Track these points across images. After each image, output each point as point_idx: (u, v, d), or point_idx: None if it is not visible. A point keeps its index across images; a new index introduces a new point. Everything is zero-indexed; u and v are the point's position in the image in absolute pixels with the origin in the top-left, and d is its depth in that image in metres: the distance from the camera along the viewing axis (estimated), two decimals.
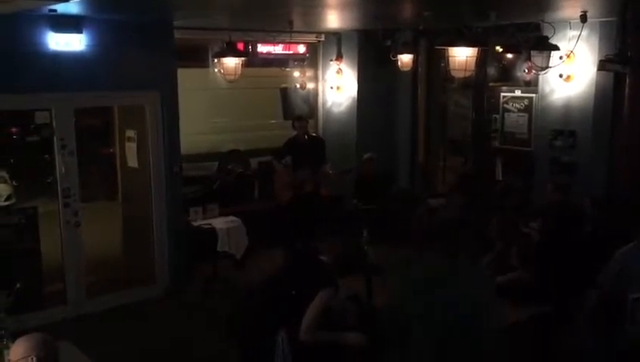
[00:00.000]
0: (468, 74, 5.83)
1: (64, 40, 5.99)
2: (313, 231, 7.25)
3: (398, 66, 8.47)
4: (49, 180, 6.51)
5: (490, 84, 8.44)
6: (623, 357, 3.96)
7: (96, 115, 8.21)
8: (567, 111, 6.83)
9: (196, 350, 5.69)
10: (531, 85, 7.75)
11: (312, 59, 9.75)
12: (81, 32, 6.06)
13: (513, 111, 8.01)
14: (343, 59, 9.21)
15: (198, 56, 9.30)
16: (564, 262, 5.09)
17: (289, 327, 3.70)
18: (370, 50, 9.05)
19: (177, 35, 7.04)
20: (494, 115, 8.31)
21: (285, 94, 10.02)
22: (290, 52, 9.75)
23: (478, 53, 5.69)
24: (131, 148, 7.27)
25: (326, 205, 8.16)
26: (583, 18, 6.12)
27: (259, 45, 9.26)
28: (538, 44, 6.45)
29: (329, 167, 8.05)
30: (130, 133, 7.26)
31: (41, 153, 6.72)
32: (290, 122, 8.32)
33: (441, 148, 9.38)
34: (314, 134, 8.69)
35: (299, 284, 3.81)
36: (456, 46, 5.58)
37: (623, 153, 6.65)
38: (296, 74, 9.71)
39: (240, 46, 8.22)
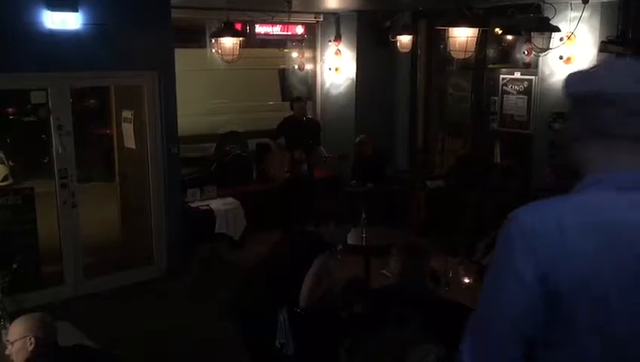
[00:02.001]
0: (468, 55, 5.78)
1: (60, 18, 5.91)
2: (308, 212, 7.27)
3: (397, 48, 8.42)
4: (45, 161, 6.48)
5: (490, 66, 8.40)
6: None
7: (92, 95, 8.17)
8: None
9: (195, 330, 5.70)
10: (531, 67, 7.71)
11: (310, 40, 9.69)
12: (76, 11, 5.98)
13: (512, 94, 7.97)
14: (342, 41, 9.14)
15: (196, 37, 9.27)
16: None
17: (290, 305, 3.71)
18: (369, 31, 8.99)
19: (174, 14, 6.96)
20: (493, 98, 8.27)
21: (283, 75, 9.99)
22: (289, 33, 9.71)
23: (478, 34, 5.64)
24: (128, 128, 7.23)
25: (320, 186, 8.15)
26: None
27: (257, 26, 9.22)
28: (539, 25, 6.40)
29: (323, 150, 8.03)
30: (127, 113, 7.21)
31: (37, 133, 6.69)
32: (288, 103, 8.29)
33: (440, 130, 9.35)
34: (310, 116, 8.65)
35: (297, 262, 3.81)
36: (457, 26, 5.53)
37: None
38: (295, 55, 9.65)
39: (238, 26, 8.16)
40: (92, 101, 9.80)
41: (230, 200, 7.57)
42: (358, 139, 8.40)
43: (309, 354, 3.84)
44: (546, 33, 6.35)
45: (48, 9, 5.85)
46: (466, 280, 4.58)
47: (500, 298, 1.27)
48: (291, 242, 4.18)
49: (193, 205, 7.36)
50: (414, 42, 8.49)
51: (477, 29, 5.59)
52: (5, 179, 8.11)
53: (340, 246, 4.20)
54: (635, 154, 1.28)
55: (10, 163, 8.41)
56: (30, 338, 2.88)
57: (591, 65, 1.43)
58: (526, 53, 7.64)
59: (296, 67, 9.65)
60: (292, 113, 7.93)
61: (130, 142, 7.23)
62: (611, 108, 1.27)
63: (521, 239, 1.26)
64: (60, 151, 6.21)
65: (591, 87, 1.31)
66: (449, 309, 3.89)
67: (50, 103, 6.15)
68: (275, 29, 9.59)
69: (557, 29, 6.36)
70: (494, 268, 1.32)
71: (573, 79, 1.36)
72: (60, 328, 3.13)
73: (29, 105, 6.61)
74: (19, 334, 2.90)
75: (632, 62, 1.39)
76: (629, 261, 1.22)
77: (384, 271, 4.29)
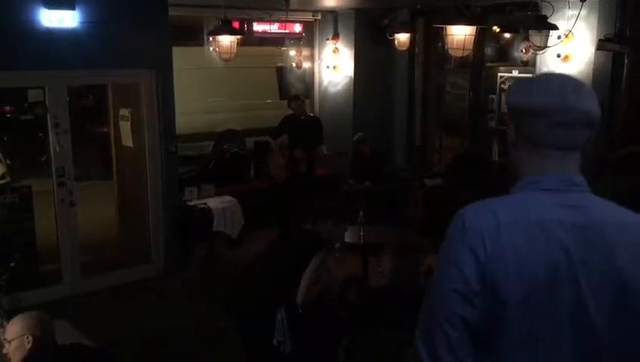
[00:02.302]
0: (466, 53, 5.77)
1: (57, 16, 5.90)
2: (308, 211, 7.26)
3: (395, 46, 8.41)
4: (43, 159, 6.47)
5: (488, 64, 8.40)
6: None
7: (90, 93, 8.16)
8: None
9: (193, 329, 5.70)
10: (529, 65, 7.70)
11: (308, 39, 9.68)
12: (74, 9, 5.97)
13: None
14: (340, 39, 9.13)
15: (193, 35, 9.25)
16: None
17: (288, 303, 3.71)
18: (367, 29, 8.99)
19: (172, 12, 6.95)
20: (491, 96, 8.27)
21: (281, 73, 9.99)
22: (286, 31, 9.69)
23: (476, 32, 5.64)
24: (126, 127, 7.22)
25: (319, 185, 8.15)
26: None
27: (255, 24, 9.20)
28: (536, 23, 6.39)
29: (324, 148, 8.02)
30: (125, 111, 7.20)
31: (34, 131, 6.67)
32: (286, 101, 8.28)
33: (438, 128, 9.36)
34: (311, 114, 8.64)
35: (295, 261, 3.81)
36: (455, 24, 5.52)
37: (619, 134, 6.64)
38: (293, 53, 9.64)
39: (235, 24, 8.15)
40: (90, 99, 9.78)
41: (228, 198, 7.56)
42: (356, 138, 8.40)
43: (307, 353, 3.84)
44: (543, 31, 6.34)
45: (45, 7, 5.83)
46: None
47: (446, 285, 1.41)
48: (290, 241, 4.18)
49: (191, 203, 7.35)
50: (412, 40, 8.49)
51: (475, 27, 5.59)
52: (3, 177, 8.09)
53: (338, 245, 4.20)
54: (561, 159, 1.46)
55: (8, 161, 8.40)
56: (28, 337, 2.88)
57: (528, 78, 1.59)
58: (524, 51, 7.63)
59: (294, 65, 9.64)
60: (285, 113, 7.92)
61: (127, 141, 7.22)
62: (540, 120, 1.44)
63: (465, 234, 1.41)
64: (58, 150, 6.20)
65: (524, 101, 1.46)
66: None
67: (47, 101, 6.14)
68: (273, 27, 9.58)
69: (555, 27, 6.36)
70: (442, 258, 1.46)
71: (512, 90, 1.53)
72: (57, 327, 3.12)
73: (26, 104, 6.59)
74: (16, 332, 2.90)
75: (562, 78, 1.51)
76: (555, 255, 1.38)
77: (381, 269, 4.29)
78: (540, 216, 1.41)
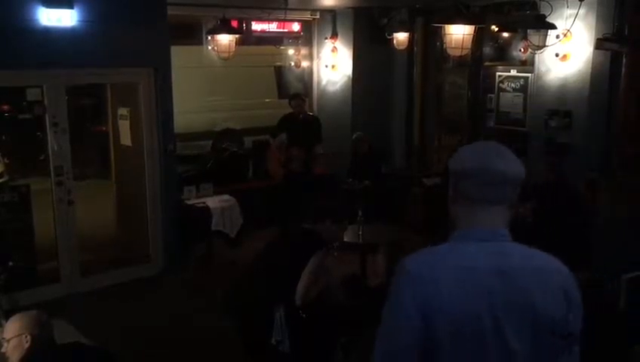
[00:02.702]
0: (464, 52, 5.78)
1: (55, 15, 5.89)
2: (305, 210, 7.26)
3: (393, 45, 8.41)
4: (42, 158, 6.46)
5: (486, 63, 8.40)
6: (617, 337, 3.99)
7: (89, 92, 8.15)
8: (563, 91, 6.80)
9: (192, 328, 5.70)
10: (527, 64, 7.71)
11: (306, 38, 9.67)
12: (72, 8, 5.96)
13: (509, 91, 7.98)
14: (338, 38, 9.13)
15: (192, 34, 9.23)
16: (557, 242, 5.10)
17: (287, 303, 3.71)
18: (366, 28, 8.98)
19: (170, 11, 6.95)
20: (490, 95, 8.27)
21: (280, 73, 9.97)
22: (285, 30, 9.69)
23: (474, 32, 5.64)
24: (124, 126, 7.22)
25: (318, 184, 8.15)
26: None
27: (253, 23, 9.19)
28: (535, 22, 6.40)
29: (321, 147, 8.02)
30: (123, 110, 7.20)
31: (33, 131, 6.66)
32: (285, 101, 8.28)
33: (437, 127, 9.36)
34: (310, 113, 8.64)
35: (295, 261, 3.81)
36: (453, 24, 5.53)
37: (618, 133, 6.65)
38: (291, 52, 9.63)
39: (234, 23, 8.15)
40: (88, 98, 9.77)
41: (226, 197, 7.56)
42: (355, 136, 8.40)
43: (306, 352, 3.84)
44: (542, 30, 6.34)
45: (44, 6, 5.83)
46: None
47: (393, 325, 1.68)
48: (290, 240, 4.17)
49: (189, 203, 7.35)
50: (411, 39, 8.49)
51: (473, 27, 5.60)
52: (1, 176, 8.07)
53: (337, 244, 4.19)
54: (490, 213, 1.74)
55: (6, 160, 8.38)
56: (26, 336, 2.87)
57: (464, 146, 1.90)
58: (522, 50, 7.64)
59: (292, 64, 9.64)
60: (290, 110, 7.92)
61: (126, 140, 7.22)
62: (471, 180, 1.75)
63: (407, 285, 1.67)
64: (56, 149, 6.20)
65: (458, 166, 1.79)
66: None
67: (45, 100, 6.14)
68: (272, 26, 9.56)
69: (553, 27, 6.36)
70: (389, 302, 1.71)
71: (452, 157, 1.84)
72: (56, 326, 3.12)
73: (25, 103, 6.58)
74: (15, 332, 2.90)
75: (488, 146, 1.85)
76: (482, 296, 1.64)
77: (376, 269, 4.30)
78: (471, 264, 1.68)
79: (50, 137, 6.18)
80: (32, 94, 6.24)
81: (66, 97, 6.33)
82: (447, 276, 1.66)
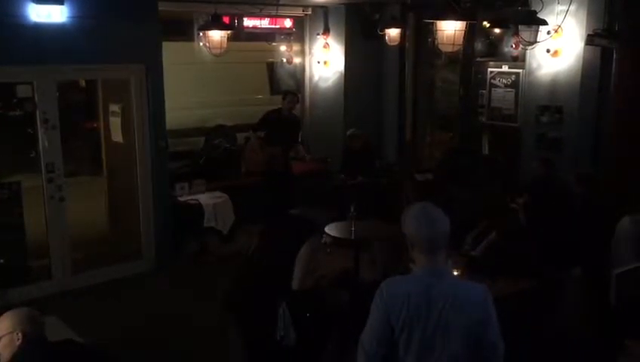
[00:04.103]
0: (456, 48, 5.78)
1: (45, 11, 5.85)
2: (285, 208, 7.26)
3: (385, 41, 8.42)
4: (32, 155, 6.42)
5: (478, 59, 8.41)
6: (608, 333, 4.01)
7: (79, 88, 8.10)
8: (554, 86, 6.83)
9: (184, 324, 5.69)
10: (518, 60, 7.73)
11: (298, 34, 9.65)
12: (62, 3, 5.92)
13: (500, 87, 8.00)
14: (330, 34, 9.12)
15: (183, 30, 9.20)
16: (549, 237, 5.13)
17: (288, 299, 3.74)
18: (358, 24, 8.98)
19: (161, 7, 6.92)
20: (481, 91, 8.29)
21: (272, 69, 9.95)
22: (277, 26, 9.65)
23: (466, 27, 5.65)
24: (115, 122, 7.19)
25: (297, 183, 8.12)
26: None
27: (245, 19, 9.14)
28: (526, 18, 6.41)
29: (303, 150, 8.00)
30: (114, 107, 7.16)
31: (23, 127, 6.62)
32: (276, 97, 8.26)
33: (428, 123, 9.37)
34: (293, 112, 8.62)
35: (292, 254, 3.83)
36: (445, 20, 5.53)
37: (609, 129, 6.69)
38: (283, 48, 9.61)
39: (226, 19, 8.11)
40: (79, 95, 9.71)
41: (218, 193, 7.55)
42: (349, 133, 8.40)
43: (306, 346, 3.87)
44: (533, 26, 6.35)
45: (34, 2, 5.79)
46: (455, 273, 4.60)
47: (372, 324, 2.64)
48: (284, 232, 4.16)
49: (182, 199, 7.33)
50: (403, 35, 8.50)
51: (465, 22, 5.60)
52: None
53: (326, 236, 4.20)
54: (433, 258, 2.62)
55: None
56: (17, 334, 2.86)
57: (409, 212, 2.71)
58: (514, 46, 7.66)
59: (284, 60, 9.62)
60: (274, 107, 7.88)
61: (117, 136, 7.19)
62: (416, 242, 2.64)
63: (382, 300, 2.62)
64: (47, 146, 6.17)
65: (406, 231, 2.68)
66: None
67: (36, 97, 6.10)
68: (264, 22, 9.53)
69: (544, 23, 6.38)
70: (372, 309, 2.65)
71: (403, 223, 2.71)
72: (47, 323, 3.10)
73: (15, 99, 6.54)
74: (6, 329, 2.88)
75: (423, 213, 2.68)
76: (426, 310, 2.57)
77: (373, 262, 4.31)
78: (424, 290, 2.58)
79: (40, 134, 6.15)
80: (22, 91, 6.21)
81: (57, 94, 6.29)
82: (406, 296, 2.58)
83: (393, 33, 8.28)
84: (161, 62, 6.86)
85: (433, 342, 2.57)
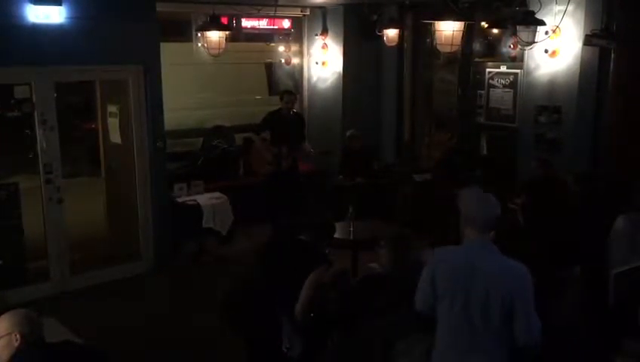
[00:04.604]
0: (454, 48, 5.80)
1: (43, 12, 5.85)
2: (292, 207, 7.29)
3: (383, 41, 8.42)
4: (30, 156, 6.41)
5: (476, 59, 8.42)
6: (607, 332, 4.01)
7: (78, 89, 8.09)
8: (553, 87, 6.83)
9: (183, 325, 5.69)
10: (517, 61, 7.74)
11: (297, 34, 9.66)
12: (60, 4, 5.92)
13: (498, 87, 8.01)
14: (329, 34, 9.12)
15: (182, 30, 9.20)
16: (548, 237, 5.13)
17: (290, 312, 3.81)
18: (356, 25, 8.98)
19: (159, 7, 6.92)
20: (479, 91, 8.29)
21: (270, 69, 9.95)
22: (275, 27, 9.66)
23: (464, 28, 5.66)
24: (113, 123, 7.18)
25: (305, 181, 8.14)
26: None
27: (243, 20, 9.15)
28: (524, 19, 6.42)
29: (309, 146, 8.01)
30: (113, 108, 7.16)
31: (21, 128, 6.61)
32: (275, 98, 8.26)
33: (427, 123, 9.37)
34: (295, 111, 8.64)
35: (291, 272, 3.87)
36: (443, 20, 5.54)
37: (607, 128, 6.69)
38: (281, 49, 9.62)
39: (224, 20, 8.11)
40: (77, 96, 9.70)
41: (217, 194, 7.55)
42: (348, 134, 8.41)
43: (310, 355, 3.91)
44: (531, 27, 6.36)
45: (32, 3, 5.79)
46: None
47: (420, 286, 3.07)
48: (290, 255, 4.19)
49: (180, 200, 7.33)
50: (401, 36, 8.50)
51: (463, 23, 5.62)
52: None
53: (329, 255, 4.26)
54: (479, 235, 2.97)
55: None
56: (16, 335, 2.85)
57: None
58: (512, 46, 7.67)
59: (283, 61, 9.62)
60: (277, 107, 7.90)
61: (115, 137, 7.18)
62: (469, 220, 3.00)
63: (430, 266, 3.05)
64: (45, 147, 6.16)
65: (462, 209, 3.05)
66: None
67: (34, 98, 6.09)
68: (262, 23, 9.53)
69: (542, 23, 6.38)
70: (422, 272, 3.08)
71: (460, 201, 3.09)
72: (45, 324, 3.10)
73: (13, 100, 6.53)
74: (4, 330, 2.87)
75: (472, 194, 3.15)
76: (469, 280, 2.90)
77: (372, 265, 4.31)
78: (467, 261, 2.94)
79: (39, 135, 6.14)
80: (20, 92, 6.19)
81: (55, 95, 6.29)
82: (450, 262, 3.01)
83: (391, 34, 8.28)
84: (159, 62, 6.86)
85: (472, 310, 2.85)
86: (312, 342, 3.90)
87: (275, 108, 7.90)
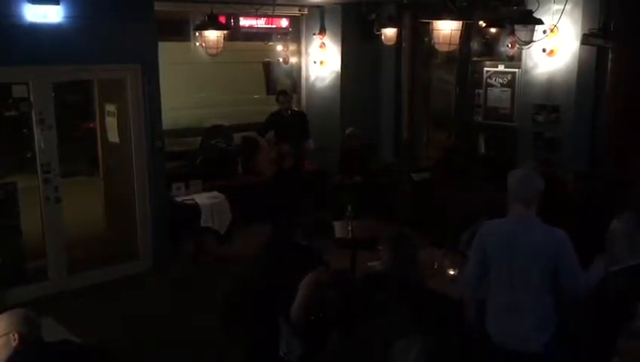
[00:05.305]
0: (452, 48, 5.80)
1: (41, 11, 5.84)
2: (296, 206, 7.29)
3: (381, 41, 8.42)
4: (28, 155, 6.41)
5: (474, 58, 8.42)
6: (605, 331, 4.02)
7: (75, 89, 8.08)
8: (550, 86, 6.84)
9: (182, 324, 5.68)
10: (514, 60, 7.74)
11: (295, 33, 9.66)
12: (58, 4, 5.91)
13: (496, 86, 8.01)
14: (327, 34, 9.12)
15: (179, 30, 9.17)
16: None
17: (287, 314, 3.79)
18: (354, 24, 8.98)
19: (157, 7, 6.91)
20: (477, 90, 8.30)
21: (268, 69, 9.93)
22: (273, 26, 9.65)
23: (462, 27, 5.66)
24: (111, 122, 7.17)
25: (309, 180, 8.16)
26: None
27: (241, 19, 9.14)
28: (522, 18, 6.42)
29: (312, 143, 8.03)
30: (111, 107, 7.15)
31: (19, 128, 6.60)
32: (273, 97, 8.26)
33: (425, 123, 9.37)
34: (296, 109, 8.65)
35: (289, 273, 3.86)
36: (441, 19, 5.54)
37: (605, 128, 6.70)
38: (279, 48, 9.61)
39: (222, 19, 8.10)
40: (75, 95, 9.69)
41: (215, 194, 7.54)
42: (348, 132, 8.42)
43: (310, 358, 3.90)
44: (529, 26, 6.36)
45: (30, 2, 5.78)
46: (451, 272, 4.61)
47: (471, 257, 3.60)
48: (288, 257, 4.18)
49: (178, 199, 7.32)
50: (399, 35, 8.50)
51: (461, 22, 5.61)
52: None
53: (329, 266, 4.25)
54: (523, 208, 3.39)
55: None
56: (14, 335, 2.85)
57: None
58: (510, 45, 7.67)
59: (281, 60, 9.61)
60: (272, 109, 7.93)
61: (113, 137, 7.17)
62: (513, 193, 3.47)
63: (480, 237, 3.52)
64: (43, 146, 6.16)
65: (508, 185, 3.45)
66: (436, 299, 3.92)
67: (31, 97, 6.08)
68: (260, 22, 9.52)
69: (540, 22, 6.38)
70: (472, 245, 3.58)
71: (509, 177, 3.50)
72: (44, 324, 3.10)
73: (11, 100, 6.53)
74: (2, 330, 2.87)
75: (519, 173, 3.58)
76: (514, 249, 3.35)
77: (372, 263, 4.31)
78: (511, 231, 3.40)
79: (36, 134, 6.13)
80: (18, 91, 6.18)
81: (53, 94, 6.28)
82: (497, 234, 3.44)
83: (389, 33, 8.28)
84: (157, 62, 6.85)
85: (515, 274, 3.31)
86: (311, 344, 3.88)
87: (275, 108, 7.93)
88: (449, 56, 8.31)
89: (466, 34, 7.52)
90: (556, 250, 3.28)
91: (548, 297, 3.36)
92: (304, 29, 9.48)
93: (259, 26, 9.42)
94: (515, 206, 3.39)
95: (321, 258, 4.07)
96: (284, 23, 9.61)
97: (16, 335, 2.85)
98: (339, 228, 5.67)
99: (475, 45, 8.42)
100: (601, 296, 4.11)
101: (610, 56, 6.47)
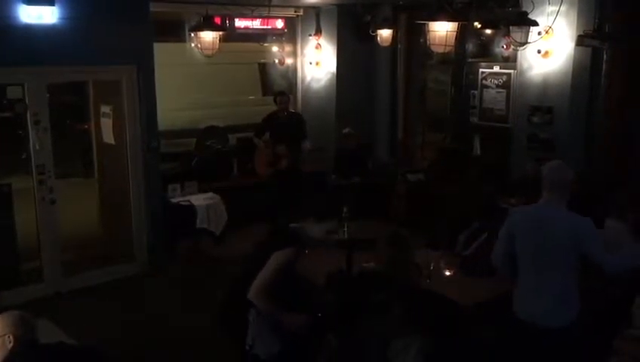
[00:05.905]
0: (448, 49, 5.80)
1: (36, 12, 5.82)
2: (293, 207, 7.26)
3: (377, 42, 8.43)
4: (23, 156, 6.39)
5: (469, 59, 8.44)
6: (602, 331, 4.04)
7: (71, 89, 8.06)
8: (545, 87, 6.86)
9: (177, 326, 5.68)
10: (510, 61, 7.76)
11: (290, 35, 9.65)
12: (53, 4, 5.90)
13: (492, 88, 8.03)
14: (322, 35, 9.12)
15: (175, 31, 9.15)
16: None
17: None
18: (350, 25, 8.99)
19: (153, 8, 6.90)
20: (473, 91, 8.31)
21: (264, 70, 9.93)
22: (269, 27, 9.64)
23: (458, 28, 5.67)
24: (107, 123, 7.16)
25: (306, 181, 8.15)
26: None
27: (236, 20, 9.12)
28: (517, 19, 6.44)
29: (309, 144, 8.03)
30: (106, 108, 7.13)
31: (14, 129, 6.58)
32: (269, 98, 8.27)
33: (420, 123, 9.39)
34: (292, 110, 8.65)
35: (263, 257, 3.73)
36: (437, 20, 5.55)
37: (600, 129, 6.72)
38: (275, 49, 9.61)
39: (217, 20, 8.11)
40: (70, 96, 9.66)
41: (211, 195, 7.54)
42: (344, 132, 8.43)
43: (287, 355, 3.78)
44: (524, 27, 6.38)
45: (24, 3, 5.76)
46: (447, 273, 4.61)
47: (499, 241, 3.86)
48: (273, 243, 4.08)
49: (174, 201, 7.31)
50: (394, 36, 8.51)
51: (456, 23, 5.62)
52: None
53: (315, 244, 4.09)
54: (551, 196, 3.63)
55: None
56: (9, 337, 2.84)
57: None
58: (505, 47, 7.69)
59: (276, 61, 9.61)
60: (273, 109, 7.92)
61: (109, 138, 7.16)
62: (546, 181, 3.65)
63: (508, 222, 3.82)
64: (38, 147, 6.14)
65: (544, 175, 3.69)
66: (432, 300, 3.93)
67: (26, 98, 6.07)
68: (255, 23, 9.52)
69: (535, 23, 6.41)
70: (500, 230, 3.85)
71: (544, 168, 3.76)
72: (39, 326, 3.09)
73: (5, 101, 6.51)
74: None
75: (555, 164, 3.76)
76: (541, 235, 3.60)
77: (367, 264, 4.31)
78: (539, 217, 3.65)
79: (31, 135, 6.11)
80: (12, 92, 6.16)
81: (48, 95, 6.26)
82: (527, 220, 3.70)
83: (385, 34, 8.29)
84: (152, 63, 6.84)
85: (545, 259, 3.54)
86: (289, 343, 3.76)
87: (270, 109, 7.93)
88: (444, 58, 8.32)
89: (462, 35, 7.53)
90: (581, 235, 3.47)
91: (573, 278, 3.57)
92: (300, 30, 9.48)
93: (254, 27, 9.41)
94: (545, 193, 3.62)
95: (296, 235, 3.81)
96: (279, 24, 9.60)
97: (11, 337, 2.84)
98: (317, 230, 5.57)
99: (470, 46, 8.43)
100: (600, 297, 4.14)
101: (604, 57, 6.50)
